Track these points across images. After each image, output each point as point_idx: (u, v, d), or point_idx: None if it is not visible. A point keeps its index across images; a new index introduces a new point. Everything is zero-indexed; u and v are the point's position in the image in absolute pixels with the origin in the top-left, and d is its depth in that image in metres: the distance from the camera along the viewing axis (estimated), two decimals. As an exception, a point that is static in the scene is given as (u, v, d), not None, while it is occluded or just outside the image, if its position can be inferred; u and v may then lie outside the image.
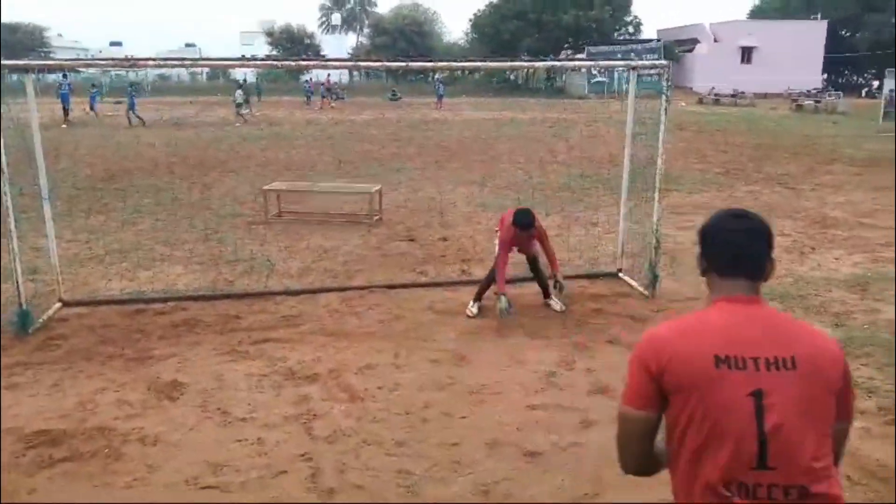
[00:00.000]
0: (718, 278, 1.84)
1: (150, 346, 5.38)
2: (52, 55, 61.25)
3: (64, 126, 23.91)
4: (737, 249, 1.81)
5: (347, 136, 21.49)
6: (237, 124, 25.64)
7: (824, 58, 50.84)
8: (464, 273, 7.44)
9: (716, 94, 41.06)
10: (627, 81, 7.19)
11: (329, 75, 48.26)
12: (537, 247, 6.26)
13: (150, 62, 5.93)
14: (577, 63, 7.92)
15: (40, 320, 5.85)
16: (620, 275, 7.14)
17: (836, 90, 43.33)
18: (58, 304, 6.25)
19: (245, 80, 33.49)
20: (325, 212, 10.26)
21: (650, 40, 54.12)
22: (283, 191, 10.37)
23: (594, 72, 46.26)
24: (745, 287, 1.80)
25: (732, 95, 40.87)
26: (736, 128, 24.98)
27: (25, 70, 6.01)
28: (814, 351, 1.72)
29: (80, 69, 42.05)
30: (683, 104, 37.38)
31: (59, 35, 77.47)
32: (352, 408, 4.46)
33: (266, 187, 10.34)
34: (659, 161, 6.44)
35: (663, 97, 6.35)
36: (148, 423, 4.24)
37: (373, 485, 3.65)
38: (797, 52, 47.43)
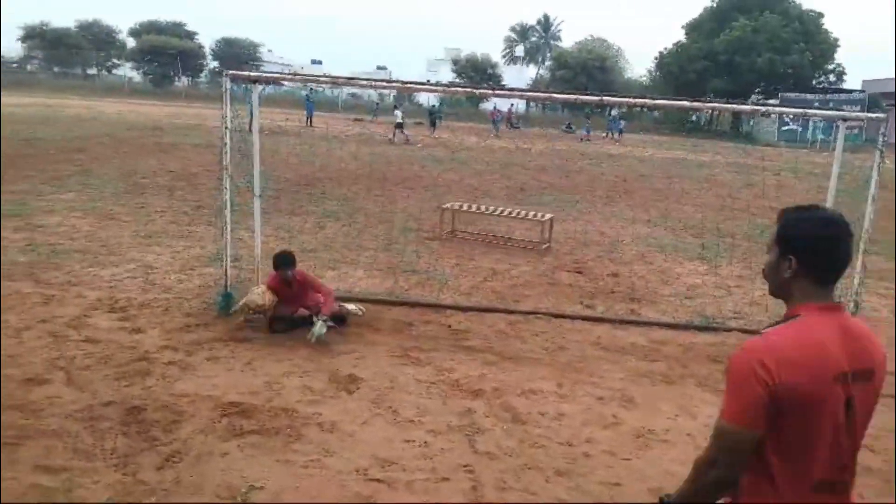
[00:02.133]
0: (812, 285, 1.84)
1: (332, 340, 5.76)
2: (262, 68, 67.67)
3: (266, 133, 26.35)
4: (841, 258, 1.84)
5: (522, 165, 21.76)
6: (396, 140, 27.09)
7: None
8: (633, 312, 7.26)
9: (929, 154, 36.96)
10: (824, 132, 6.71)
11: (512, 105, 49.35)
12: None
13: (363, 81, 6.40)
14: (781, 109, 7.41)
15: (240, 303, 6.47)
16: (807, 336, 6.62)
17: None
18: (255, 291, 6.88)
19: (434, 106, 35.21)
20: (496, 235, 10.47)
21: (853, 90, 49.95)
22: (459, 210, 10.71)
23: (786, 119, 43.45)
24: (831, 293, 1.86)
25: (950, 157, 36.59)
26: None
27: (254, 81, 6.70)
28: (880, 362, 1.86)
29: (284, 83, 46.33)
30: (888, 162, 34.02)
31: (270, 51, 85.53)
32: (514, 429, 4.50)
33: (443, 206, 10.74)
34: (866, 220, 5.95)
35: (878, 152, 5.87)
36: (326, 411, 4.55)
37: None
38: None
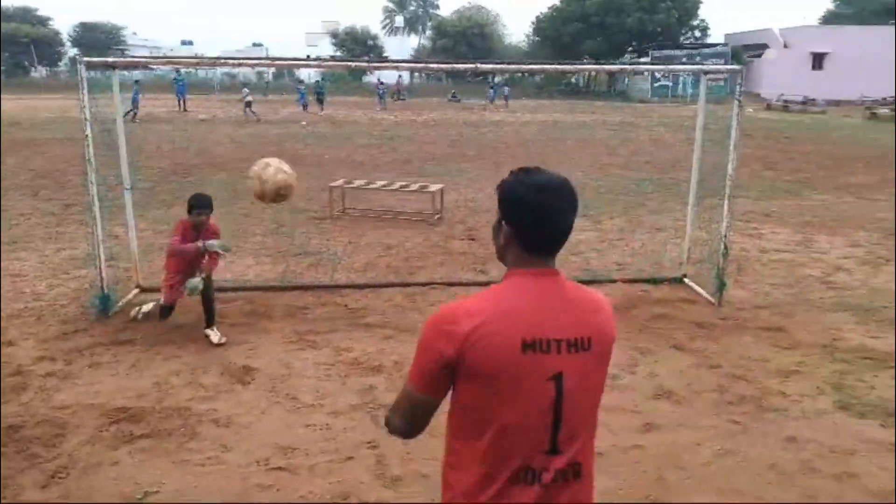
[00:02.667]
0: (525, 253, 1.68)
1: (222, 333, 5.57)
2: (127, 53, 63.65)
3: (133, 122, 24.96)
4: (556, 228, 1.67)
5: (409, 137, 21.71)
6: (248, 122, 26.58)
7: (903, 64, 48.55)
8: (525, 273, 7.44)
9: (784, 101, 39.83)
10: (693, 86, 7.09)
11: (400, 77, 49.02)
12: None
13: (231, 61, 6.14)
14: (646, 67, 7.84)
15: (120, 304, 6.15)
16: (686, 280, 7.04)
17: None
18: (136, 290, 6.56)
19: (317, 81, 34.66)
20: (387, 209, 10.43)
21: (717, 44, 52.91)
22: (347, 188, 10.58)
23: (657, 75, 45.54)
24: (549, 261, 1.70)
25: (802, 102, 39.59)
26: (806, 135, 24.20)
27: (112, 67, 6.28)
28: (602, 327, 1.70)
29: (154, 67, 43.85)
30: (751, 110, 36.37)
31: (135, 34, 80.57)
32: (416, 400, 4.53)
33: (332, 184, 10.56)
34: (730, 167, 6.34)
35: (735, 102, 6.25)
36: (221, 406, 4.41)
37: (437, 474, 3.70)
38: (873, 59, 45.39)
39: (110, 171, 6.49)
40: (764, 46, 50.57)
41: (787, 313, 6.25)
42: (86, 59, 5.68)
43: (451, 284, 6.97)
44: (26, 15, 67.48)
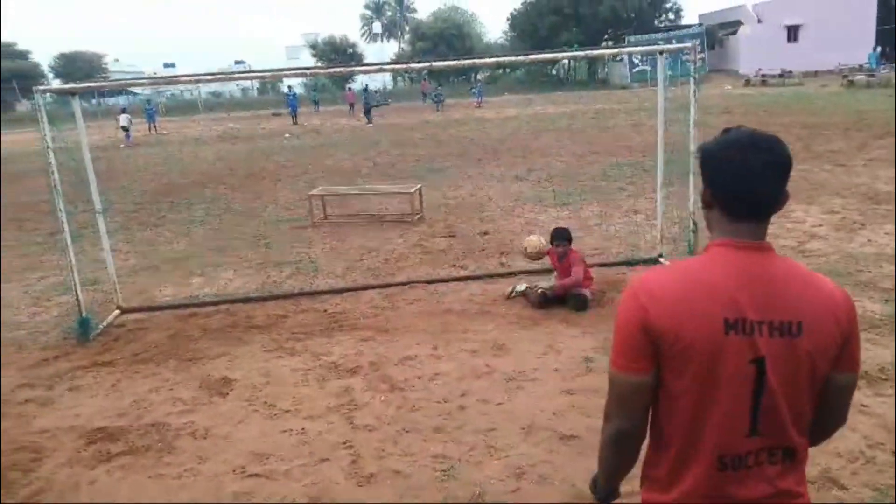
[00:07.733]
0: (725, 217, 1.54)
1: (202, 347, 5.63)
2: (109, 79, 63.62)
3: (122, 146, 25.03)
4: (755, 190, 1.50)
5: (391, 141, 21.75)
6: (121, 146, 25.98)
7: (876, 31, 48.52)
8: (503, 265, 7.50)
9: (762, 76, 39.82)
10: (670, 67, 7.14)
11: (430, 82, 46.26)
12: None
13: (184, 78, 6.21)
14: (600, 51, 7.82)
15: (100, 327, 6.19)
16: (661, 260, 7.09)
17: (891, 63, 41.38)
18: (116, 312, 6.60)
19: (290, 95, 34.40)
20: (368, 213, 10.48)
21: (691, 25, 52.96)
22: (327, 195, 10.62)
23: (635, 60, 45.61)
24: (754, 230, 1.53)
25: (780, 76, 39.55)
26: (784, 108, 24.25)
27: (71, 93, 6.33)
28: (820, 314, 1.50)
29: (135, 90, 44.01)
30: (729, 87, 36.51)
31: (116, 60, 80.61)
32: (392, 397, 4.58)
33: (311, 193, 10.61)
34: (691, 144, 6.38)
35: (692, 80, 6.30)
36: (199, 418, 4.45)
37: (410, 469, 3.76)
38: (847, 27, 45.32)
39: (90, 197, 6.51)
40: (738, 23, 50.56)
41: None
42: (41, 88, 5.75)
43: (430, 282, 7.01)
44: (6, 51, 67.41)
